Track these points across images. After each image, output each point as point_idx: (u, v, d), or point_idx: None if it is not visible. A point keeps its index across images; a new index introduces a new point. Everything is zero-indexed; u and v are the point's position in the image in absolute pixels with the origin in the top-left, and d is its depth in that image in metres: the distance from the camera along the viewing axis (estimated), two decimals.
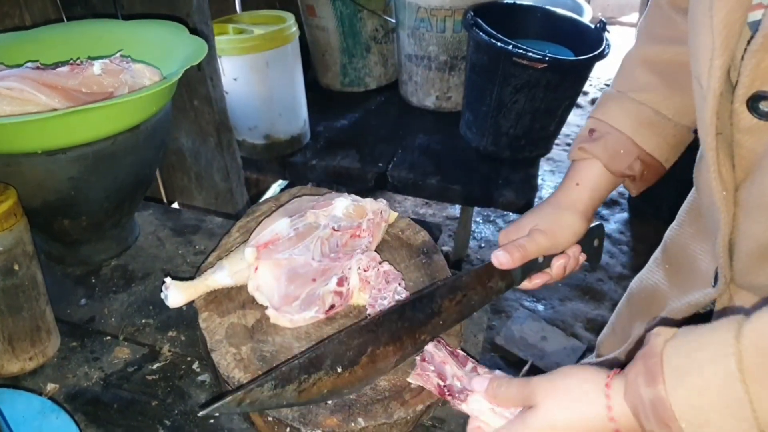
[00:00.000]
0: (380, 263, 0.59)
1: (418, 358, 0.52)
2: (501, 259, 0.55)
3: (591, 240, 0.62)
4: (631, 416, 0.38)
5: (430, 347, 0.52)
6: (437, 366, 0.50)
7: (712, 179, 0.45)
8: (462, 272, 0.56)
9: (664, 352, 0.36)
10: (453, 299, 0.54)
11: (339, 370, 0.48)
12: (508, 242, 0.57)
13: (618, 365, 0.41)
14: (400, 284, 0.57)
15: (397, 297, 0.56)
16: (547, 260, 0.58)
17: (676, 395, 0.34)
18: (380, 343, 0.50)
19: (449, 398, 0.49)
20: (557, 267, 0.58)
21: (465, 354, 0.53)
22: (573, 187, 0.60)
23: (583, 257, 0.61)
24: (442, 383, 0.49)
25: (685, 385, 0.34)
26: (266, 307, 0.57)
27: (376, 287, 0.57)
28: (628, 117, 0.58)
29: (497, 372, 0.49)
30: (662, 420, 0.35)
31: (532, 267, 0.58)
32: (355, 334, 0.49)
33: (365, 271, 0.58)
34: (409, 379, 0.51)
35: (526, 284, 0.59)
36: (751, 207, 0.44)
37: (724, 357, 0.33)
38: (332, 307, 0.57)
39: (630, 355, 0.44)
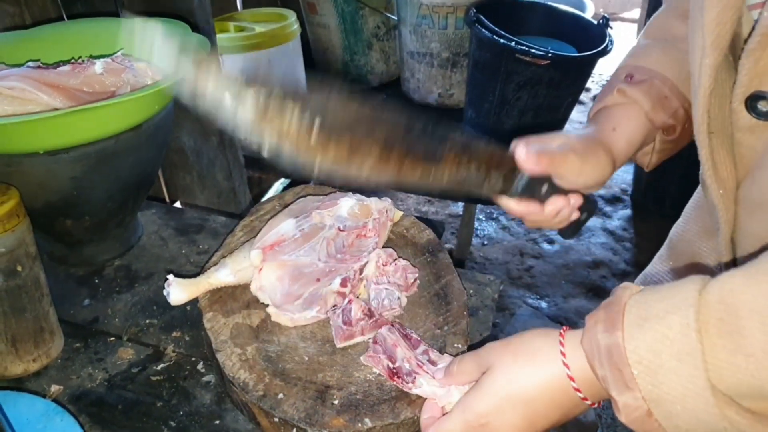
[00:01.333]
0: (396, 260, 0.59)
1: (370, 340, 0.52)
2: (528, 154, 0.48)
3: (584, 208, 0.56)
4: (586, 367, 0.37)
5: (383, 330, 0.52)
6: (388, 348, 0.50)
7: (707, 178, 0.45)
8: (479, 140, 0.49)
9: (627, 302, 0.36)
10: (456, 158, 0.46)
11: (316, 123, 0.39)
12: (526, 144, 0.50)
13: None
14: (413, 282, 0.56)
15: (395, 302, 0.56)
16: (548, 194, 0.52)
17: (632, 342, 0.34)
18: (371, 137, 0.42)
19: (398, 381, 0.49)
20: (551, 207, 0.52)
21: (417, 338, 0.52)
22: (610, 130, 0.53)
23: (575, 214, 0.55)
24: (391, 365, 0.49)
25: (643, 332, 0.34)
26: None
27: (383, 283, 0.57)
28: (672, 63, 0.53)
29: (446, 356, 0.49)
30: (615, 365, 0.35)
31: (533, 189, 0.51)
32: (353, 110, 0.42)
33: (384, 265, 0.57)
34: (361, 359, 0.52)
35: (513, 204, 0.52)
36: (752, 205, 0.43)
37: (684, 307, 0.33)
38: (334, 307, 0.57)
39: None
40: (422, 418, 0.46)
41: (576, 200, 0.53)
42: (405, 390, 0.48)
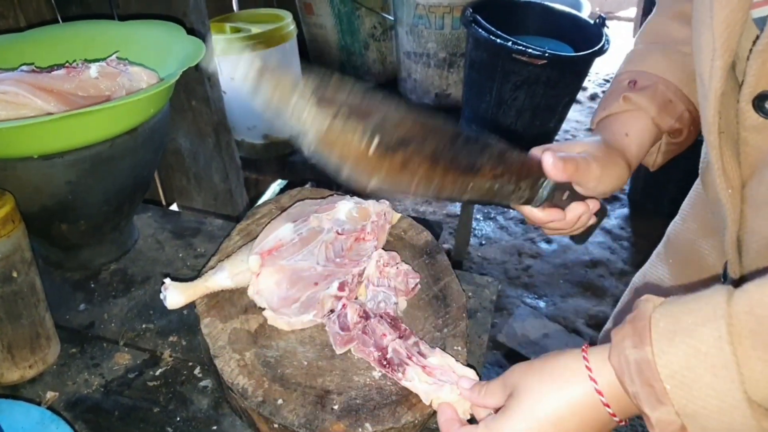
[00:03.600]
0: (398, 263, 0.58)
1: (361, 331, 0.52)
2: (556, 161, 0.48)
3: (597, 212, 0.57)
4: (614, 383, 0.37)
5: (372, 321, 0.52)
6: (377, 339, 0.51)
7: (717, 177, 0.44)
8: (512, 150, 0.49)
9: (653, 316, 0.35)
10: (492, 170, 0.47)
11: (375, 140, 0.40)
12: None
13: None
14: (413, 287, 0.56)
15: (391, 306, 0.56)
16: (568, 201, 0.53)
17: (663, 356, 0.34)
18: (422, 152, 0.43)
19: (388, 370, 0.49)
20: (572, 214, 0.53)
21: (407, 328, 0.53)
22: (623, 136, 0.54)
23: (593, 219, 0.56)
24: (380, 354, 0.50)
25: (673, 346, 0.34)
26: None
27: (382, 285, 0.57)
28: (676, 67, 0.54)
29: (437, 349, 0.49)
30: (647, 381, 0.34)
31: (556, 197, 0.53)
32: (408, 124, 0.43)
33: (385, 266, 0.57)
34: (351, 349, 0.53)
35: (537, 212, 0.53)
36: (759, 204, 0.44)
37: (714, 320, 0.33)
38: (331, 311, 0.57)
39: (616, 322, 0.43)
40: (440, 420, 0.45)
41: (594, 206, 0.54)
42: (395, 380, 0.49)
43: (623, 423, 0.39)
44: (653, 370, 0.34)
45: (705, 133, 0.45)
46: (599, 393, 0.37)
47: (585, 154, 0.51)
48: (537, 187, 0.51)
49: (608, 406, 0.37)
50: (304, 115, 0.39)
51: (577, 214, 0.53)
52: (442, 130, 0.45)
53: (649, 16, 0.59)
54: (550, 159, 0.49)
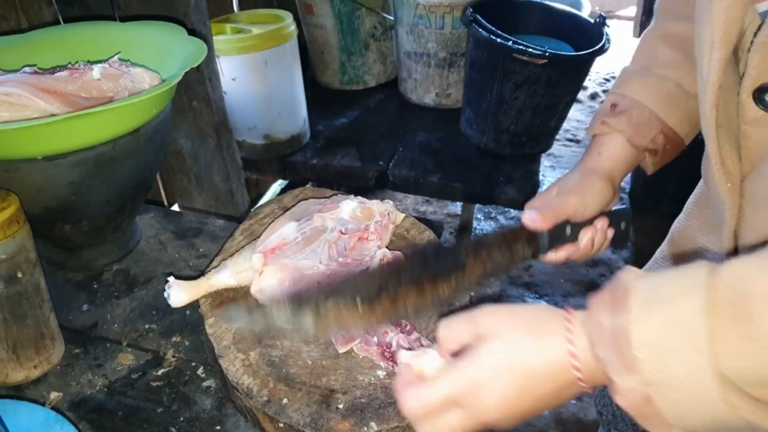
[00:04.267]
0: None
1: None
2: (532, 216, 0.53)
3: (618, 221, 0.61)
4: (588, 348, 0.36)
5: None
6: (380, 337, 0.52)
7: (715, 171, 0.45)
8: (487, 233, 0.55)
9: (633, 284, 0.35)
10: (477, 257, 0.52)
11: (358, 301, 0.46)
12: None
13: None
14: None
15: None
16: (575, 233, 0.57)
17: (638, 324, 0.33)
18: (401, 284, 0.48)
19: (390, 364, 0.50)
20: (585, 239, 0.56)
21: (408, 324, 0.54)
22: (595, 155, 0.59)
23: (610, 232, 0.59)
24: (384, 348, 0.51)
25: (650, 315, 0.33)
26: None
27: None
28: (652, 91, 0.58)
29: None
30: (618, 348, 0.34)
31: (559, 237, 0.56)
32: (377, 272, 0.49)
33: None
34: (354, 348, 0.53)
35: (551, 256, 0.57)
36: (758, 199, 0.44)
37: (693, 291, 0.32)
38: None
39: None
40: (397, 382, 0.44)
41: (602, 223, 0.58)
42: (396, 372, 0.49)
43: (588, 390, 0.38)
44: (627, 338, 0.33)
45: (703, 126, 0.46)
46: (573, 356, 0.37)
47: (562, 192, 0.57)
48: (536, 242, 0.55)
49: (578, 370, 0.37)
50: (290, 326, 0.45)
51: (589, 239, 0.57)
52: (410, 258, 0.51)
53: (646, 29, 0.62)
54: (528, 218, 0.54)
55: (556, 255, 0.57)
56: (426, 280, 0.49)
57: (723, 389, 0.31)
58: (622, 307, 0.34)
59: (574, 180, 0.58)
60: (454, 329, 0.42)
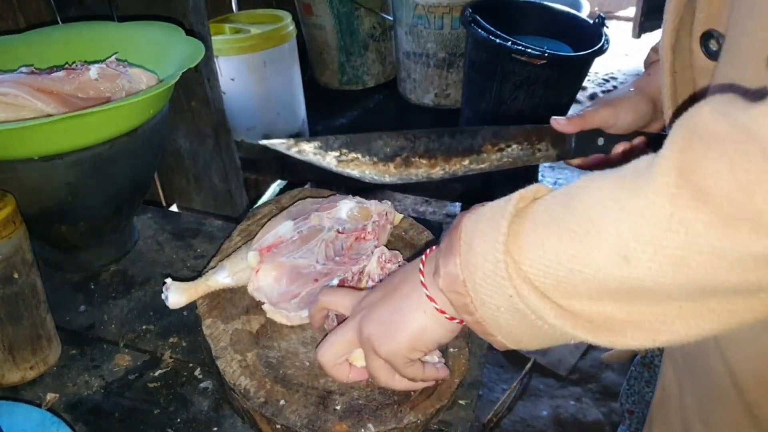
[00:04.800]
0: (400, 262, 0.58)
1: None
2: (559, 120, 0.56)
3: (659, 145, 0.60)
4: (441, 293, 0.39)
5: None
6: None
7: (666, 115, 0.45)
8: (511, 126, 0.57)
9: (462, 224, 0.37)
10: (495, 145, 0.55)
11: (375, 159, 0.51)
12: None
13: None
14: None
15: None
16: (608, 145, 0.58)
17: (469, 216, 0.37)
18: (415, 152, 0.52)
19: None
20: (617, 152, 0.58)
21: None
22: (645, 76, 0.60)
23: (650, 152, 0.60)
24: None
25: (478, 209, 0.37)
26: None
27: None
28: None
29: None
30: (450, 241, 0.37)
31: (588, 145, 0.58)
32: (394, 137, 0.51)
33: (387, 263, 0.57)
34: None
35: (578, 161, 0.59)
36: None
37: (517, 193, 0.35)
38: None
39: None
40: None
41: (639, 140, 0.59)
42: None
43: (457, 321, 0.41)
44: (458, 228, 0.37)
45: (661, 72, 0.46)
46: (421, 273, 0.41)
47: (597, 103, 0.59)
48: (563, 144, 0.57)
49: (452, 320, 0.40)
50: (314, 160, 0.51)
51: (619, 150, 0.58)
52: (427, 133, 0.53)
53: None
54: (554, 120, 0.56)
55: (583, 161, 0.59)
56: (439, 154, 0.53)
57: (509, 270, 0.33)
58: (454, 251, 0.37)
59: (616, 94, 0.59)
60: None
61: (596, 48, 1.32)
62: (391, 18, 1.70)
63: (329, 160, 0.50)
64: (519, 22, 1.52)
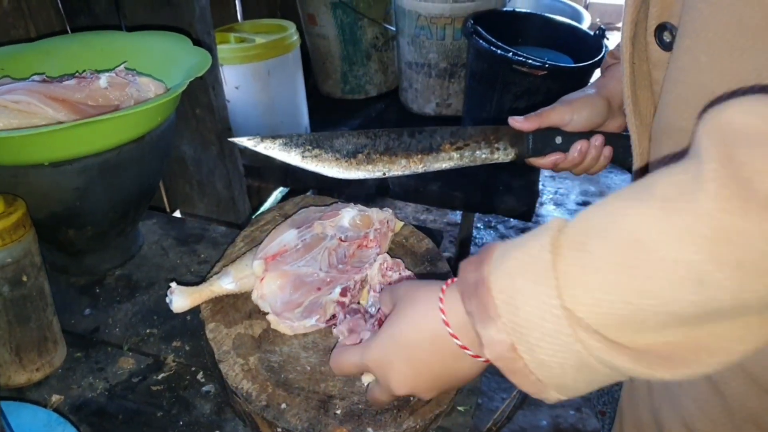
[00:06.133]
0: (401, 269, 0.59)
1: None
2: (516, 119, 0.58)
3: (618, 143, 0.60)
4: (463, 312, 0.36)
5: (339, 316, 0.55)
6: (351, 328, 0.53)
7: (626, 107, 0.46)
8: (469, 127, 0.60)
9: (489, 282, 0.34)
10: (453, 144, 0.58)
11: (337, 156, 0.55)
12: None
13: None
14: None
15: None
16: (566, 143, 0.59)
17: (494, 271, 0.33)
18: (376, 150, 0.56)
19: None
20: (575, 150, 0.59)
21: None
22: (601, 78, 0.63)
23: (608, 150, 0.60)
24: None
25: (505, 261, 0.33)
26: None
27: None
28: None
29: None
30: (481, 299, 0.33)
31: (546, 143, 0.59)
32: (356, 135, 0.55)
33: (388, 270, 0.58)
34: (334, 331, 0.54)
35: (539, 160, 0.61)
36: (658, 134, 0.45)
37: (543, 234, 0.32)
38: (333, 317, 0.57)
39: None
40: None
41: (596, 138, 0.60)
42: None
43: (483, 360, 0.37)
44: (486, 287, 0.33)
45: (622, 64, 0.47)
46: (446, 324, 0.37)
47: (555, 103, 0.60)
48: (521, 144, 0.59)
49: (456, 338, 0.37)
50: (278, 157, 0.57)
51: (580, 151, 0.59)
52: (388, 132, 0.57)
53: None
54: (512, 119, 0.58)
55: (544, 159, 0.60)
56: (399, 152, 0.56)
57: (571, 324, 0.30)
58: (484, 261, 0.34)
59: (574, 95, 0.61)
60: (384, 295, 0.46)
61: (597, 59, 1.34)
62: (393, 28, 1.72)
63: (294, 157, 0.53)
64: (520, 34, 1.54)
